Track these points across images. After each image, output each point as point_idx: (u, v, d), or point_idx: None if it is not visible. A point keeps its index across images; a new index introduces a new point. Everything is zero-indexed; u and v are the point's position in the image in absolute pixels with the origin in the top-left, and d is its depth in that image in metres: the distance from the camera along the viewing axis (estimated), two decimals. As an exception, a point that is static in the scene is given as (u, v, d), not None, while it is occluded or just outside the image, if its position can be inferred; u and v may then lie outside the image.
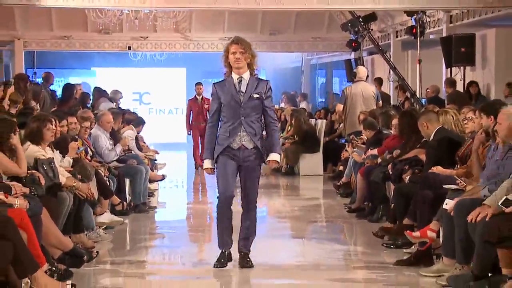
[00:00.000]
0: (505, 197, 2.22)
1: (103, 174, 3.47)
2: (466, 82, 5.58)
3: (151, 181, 4.35)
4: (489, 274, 2.25)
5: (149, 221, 3.82)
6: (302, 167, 5.73)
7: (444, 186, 2.63)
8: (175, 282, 2.58)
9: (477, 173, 2.62)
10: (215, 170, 2.55)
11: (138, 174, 3.97)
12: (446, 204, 2.48)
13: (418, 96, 5.94)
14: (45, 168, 2.75)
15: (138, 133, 4.76)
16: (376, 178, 3.48)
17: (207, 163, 2.57)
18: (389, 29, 7.21)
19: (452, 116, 3.15)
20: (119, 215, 3.57)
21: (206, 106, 6.08)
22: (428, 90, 5.79)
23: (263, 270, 2.60)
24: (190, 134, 6.35)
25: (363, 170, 3.76)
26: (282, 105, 8.30)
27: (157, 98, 9.29)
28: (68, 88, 5.24)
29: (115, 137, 4.07)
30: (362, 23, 6.51)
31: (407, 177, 3.10)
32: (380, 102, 5.16)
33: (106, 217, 3.39)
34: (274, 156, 2.57)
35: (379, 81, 6.16)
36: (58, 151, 3.07)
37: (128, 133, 4.45)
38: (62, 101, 5.15)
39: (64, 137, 3.20)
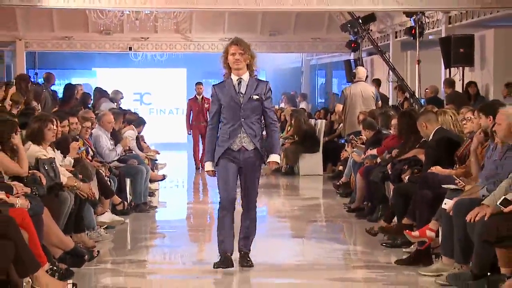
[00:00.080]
0: (503, 197, 2.23)
1: (104, 174, 3.48)
2: (465, 82, 5.60)
3: (151, 181, 4.36)
4: (488, 274, 2.26)
5: (149, 221, 3.84)
6: (302, 167, 5.75)
7: (443, 186, 2.64)
8: (175, 281, 2.59)
9: (475, 173, 2.63)
10: (216, 172, 2.55)
11: (138, 174, 3.98)
12: (445, 203, 2.49)
13: (417, 96, 5.96)
14: (46, 168, 2.76)
15: (138, 133, 4.78)
16: (375, 178, 3.49)
17: (208, 165, 2.56)
18: (388, 30, 7.23)
19: (451, 116, 3.17)
20: (120, 215, 3.59)
21: (206, 105, 6.10)
22: (427, 90, 5.81)
23: (263, 269, 2.61)
24: (190, 134, 6.35)
25: (363, 170, 3.78)
26: (282, 105, 8.32)
27: (157, 99, 9.30)
28: (69, 88, 5.27)
29: (116, 137, 4.09)
30: (361, 24, 6.53)
31: (406, 177, 3.12)
32: (380, 102, 5.18)
33: (107, 216, 3.41)
34: (274, 157, 2.57)
35: (377, 82, 6.19)
36: (59, 151, 3.08)
37: (129, 133, 4.47)
38: (63, 101, 5.17)
39: (65, 137, 3.22)
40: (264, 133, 2.64)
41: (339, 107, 5.17)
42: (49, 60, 8.67)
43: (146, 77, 9.14)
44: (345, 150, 4.73)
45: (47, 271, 2.26)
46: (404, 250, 2.90)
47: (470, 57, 5.54)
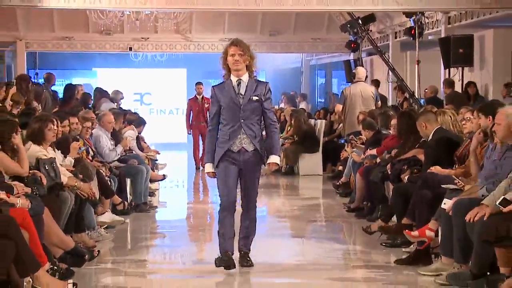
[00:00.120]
0: (502, 196, 2.24)
1: (104, 174, 3.49)
2: (464, 82, 5.61)
3: (152, 181, 4.37)
4: (488, 273, 2.26)
5: (150, 221, 3.84)
6: (301, 167, 5.76)
7: (442, 185, 2.65)
8: (175, 281, 2.59)
9: (475, 173, 2.63)
10: (216, 174, 2.55)
11: (139, 174, 3.99)
12: (445, 203, 2.50)
13: (416, 96, 5.97)
14: (47, 168, 2.77)
15: (139, 133, 4.78)
16: (375, 178, 3.50)
17: (208, 167, 2.56)
18: (388, 30, 7.24)
19: (450, 117, 3.17)
20: (120, 215, 3.59)
21: (206, 105, 6.11)
22: (426, 90, 5.81)
23: (263, 269, 2.62)
24: (190, 134, 6.36)
25: (362, 170, 3.78)
26: (282, 105, 8.34)
27: (158, 99, 9.31)
28: (70, 88, 5.28)
29: (116, 137, 4.09)
30: (361, 24, 6.54)
31: (406, 177, 3.12)
32: (379, 102, 5.19)
33: (107, 216, 3.42)
34: (274, 159, 2.57)
35: (376, 83, 6.20)
36: (59, 151, 3.09)
37: (129, 133, 4.48)
38: (64, 101, 5.18)
39: (65, 137, 3.23)
40: (263, 133, 2.64)
41: (338, 107, 5.18)
42: (49, 61, 8.69)
43: (146, 77, 9.15)
44: (345, 150, 4.73)
45: (47, 271, 2.27)
46: (403, 250, 2.91)
47: (470, 57, 5.55)
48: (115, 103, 5.67)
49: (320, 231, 3.57)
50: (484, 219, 2.22)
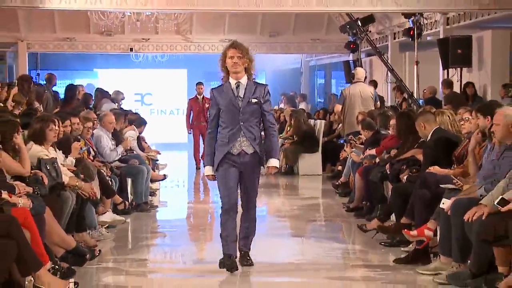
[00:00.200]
0: (501, 196, 2.25)
1: (105, 173, 3.50)
2: (463, 83, 5.64)
3: (152, 180, 4.38)
4: (486, 272, 2.27)
5: (150, 220, 3.85)
6: (301, 166, 5.77)
7: (441, 185, 2.67)
8: (176, 280, 2.60)
9: (473, 173, 2.64)
10: (216, 177, 2.54)
11: (139, 174, 4.01)
12: (443, 203, 2.51)
13: (415, 97, 5.99)
14: (48, 168, 2.78)
15: (140, 133, 4.79)
16: (374, 177, 3.51)
17: (208, 170, 2.56)
18: (387, 31, 7.28)
19: (449, 117, 3.18)
20: (121, 214, 3.61)
21: (207, 105, 6.13)
22: (425, 91, 5.84)
23: (263, 268, 2.63)
24: (190, 133, 6.37)
25: (361, 170, 3.80)
26: (282, 106, 8.36)
27: (158, 99, 9.34)
28: (71, 89, 5.29)
29: (117, 137, 4.11)
30: (360, 25, 6.57)
31: (405, 177, 3.14)
32: (378, 103, 5.21)
33: (108, 216, 3.43)
34: (274, 162, 2.57)
35: (374, 84, 6.20)
36: (61, 151, 3.10)
37: (130, 133, 4.49)
38: (65, 102, 5.20)
39: (67, 137, 3.24)
40: (262, 133, 2.65)
41: (338, 107, 5.20)
42: (51, 61, 8.72)
43: (147, 77, 9.18)
44: (344, 150, 4.75)
45: (49, 270, 2.28)
46: (402, 249, 2.92)
47: (468, 58, 5.57)
48: (116, 104, 5.69)
49: (320, 231, 3.59)
50: (483, 218, 2.23)
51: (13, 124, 2.66)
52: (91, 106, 5.32)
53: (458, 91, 5.55)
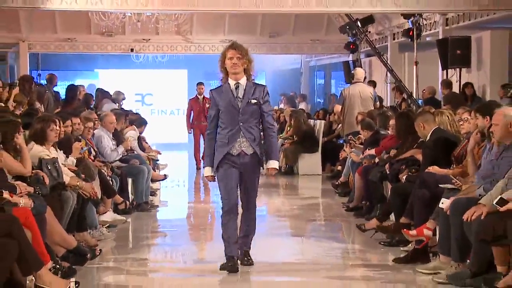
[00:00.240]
0: (500, 196, 2.26)
1: (106, 173, 3.52)
2: (462, 83, 5.65)
3: (153, 180, 4.40)
4: (486, 272, 2.29)
5: (151, 220, 3.87)
6: (301, 166, 5.79)
7: (440, 185, 2.68)
8: (176, 279, 2.62)
9: (472, 173, 2.66)
10: (215, 177, 2.55)
11: (140, 174, 4.02)
12: (442, 203, 2.52)
13: (414, 97, 6.01)
14: (49, 168, 2.79)
15: (140, 133, 4.80)
16: (373, 177, 3.52)
17: (207, 171, 2.56)
18: (386, 32, 7.29)
19: (448, 117, 3.19)
20: (121, 214, 3.62)
21: (207, 105, 6.14)
22: (424, 91, 5.85)
23: (263, 268, 2.64)
24: (191, 133, 6.38)
25: (361, 169, 3.81)
26: (282, 106, 8.38)
27: (159, 99, 9.36)
28: (72, 89, 5.30)
29: (118, 137, 4.13)
30: (359, 26, 6.58)
31: (404, 177, 3.15)
32: (378, 103, 5.23)
33: (109, 215, 3.45)
34: (273, 164, 2.57)
35: (373, 84, 6.22)
36: (62, 151, 3.11)
37: (131, 133, 4.51)
38: (66, 102, 5.21)
39: (68, 137, 3.26)
40: (261, 134, 2.65)
41: (337, 107, 5.22)
42: (52, 62, 8.74)
43: (148, 78, 9.20)
44: (344, 150, 4.75)
45: (50, 270, 2.29)
46: (401, 249, 2.93)
47: (467, 58, 5.59)
48: (117, 104, 5.71)
49: (319, 230, 3.60)
50: (482, 218, 2.24)
51: (14, 124, 2.67)
52: (92, 106, 5.33)
53: (457, 92, 5.57)
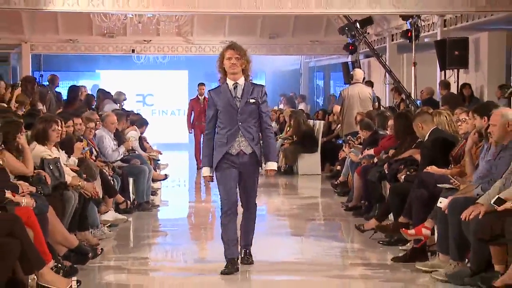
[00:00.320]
0: (497, 196, 2.28)
1: (107, 173, 3.54)
2: (460, 84, 5.68)
3: (154, 180, 4.42)
4: (484, 270, 2.30)
5: (152, 219, 3.89)
6: (300, 166, 5.82)
7: (438, 185, 2.70)
8: (177, 278, 2.63)
9: (470, 173, 2.68)
10: (214, 178, 2.55)
11: (141, 174, 4.04)
12: (440, 202, 2.54)
13: (413, 98, 6.03)
14: (51, 168, 2.81)
15: (141, 133, 4.82)
16: (372, 177, 3.54)
17: (206, 171, 2.55)
18: (385, 33, 7.33)
19: (446, 117, 3.22)
20: (123, 213, 3.64)
21: (208, 106, 6.13)
22: (422, 92, 5.89)
23: (263, 267, 2.66)
24: (191, 133, 6.40)
25: (360, 169, 3.84)
26: (281, 106, 8.42)
27: (160, 100, 9.39)
28: (74, 90, 5.33)
29: (119, 137, 4.15)
30: (358, 27, 6.61)
31: (403, 177, 3.17)
32: (377, 103, 5.27)
33: (111, 215, 3.47)
34: (272, 165, 2.58)
35: (370, 84, 6.24)
36: (63, 151, 3.14)
37: (132, 133, 4.53)
38: (68, 102, 5.23)
39: (69, 137, 3.28)
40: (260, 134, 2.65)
41: (337, 108, 5.25)
42: (54, 63, 8.78)
43: (149, 79, 9.23)
44: (343, 150, 4.78)
45: (52, 268, 2.31)
46: (400, 248, 2.95)
47: (465, 59, 5.62)
48: (118, 104, 5.73)
49: (319, 230, 3.62)
50: (479, 217, 2.26)
51: (16, 125, 2.69)
52: (93, 106, 5.35)
53: (455, 92, 5.59)
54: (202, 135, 6.11)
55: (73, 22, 7.61)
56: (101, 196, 3.27)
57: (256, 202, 2.67)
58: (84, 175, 3.12)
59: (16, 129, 2.67)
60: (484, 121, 2.66)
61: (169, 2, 5.15)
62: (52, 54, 8.24)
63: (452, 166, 2.95)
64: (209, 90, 2.61)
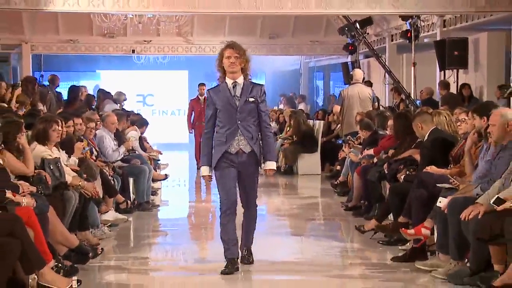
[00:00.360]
0: (496, 195, 2.28)
1: (107, 173, 3.54)
2: (459, 84, 5.69)
3: (154, 180, 4.42)
4: (484, 270, 2.30)
5: (152, 219, 3.89)
6: (300, 166, 5.82)
7: (437, 185, 2.70)
8: (177, 278, 2.64)
9: (469, 173, 2.68)
10: (213, 177, 2.55)
11: (141, 174, 4.05)
12: (440, 202, 2.55)
13: (412, 98, 6.05)
14: (52, 168, 2.82)
15: (141, 134, 4.83)
16: (372, 177, 3.55)
17: (204, 170, 2.54)
18: (384, 33, 7.35)
19: (445, 117, 3.22)
20: (123, 213, 3.65)
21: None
22: (422, 92, 5.90)
23: (263, 266, 2.67)
24: (192, 133, 6.41)
25: (360, 169, 3.84)
26: (281, 106, 8.44)
27: (160, 100, 9.41)
28: (74, 90, 5.35)
29: (119, 137, 4.16)
30: (358, 28, 6.63)
31: (402, 177, 3.18)
32: (376, 103, 5.27)
33: (111, 215, 3.47)
34: (271, 165, 2.57)
35: (369, 84, 6.24)
36: (64, 151, 3.14)
37: (132, 133, 4.54)
38: (68, 102, 5.25)
39: (70, 137, 3.28)
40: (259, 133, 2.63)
41: (336, 108, 5.26)
42: (54, 63, 8.80)
43: (149, 79, 9.26)
44: (343, 150, 4.78)
45: (52, 268, 2.31)
46: (400, 247, 2.96)
47: (464, 59, 5.64)
48: (118, 104, 5.74)
49: (319, 229, 3.62)
50: (479, 217, 2.27)
51: (17, 125, 2.70)
52: (93, 107, 5.35)
53: (455, 92, 5.60)
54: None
55: (74, 23, 7.63)
56: (101, 196, 3.27)
57: (257, 202, 2.67)
58: (85, 175, 3.13)
59: (16, 129, 2.68)
60: (484, 121, 2.67)
61: (169, 2, 5.16)
62: (52, 54, 8.26)
63: (451, 166, 2.95)
64: (208, 89, 2.62)
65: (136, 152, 4.45)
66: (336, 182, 4.75)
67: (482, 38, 5.86)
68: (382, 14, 6.32)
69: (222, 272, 2.55)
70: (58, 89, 6.07)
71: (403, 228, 2.81)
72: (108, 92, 5.97)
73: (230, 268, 2.55)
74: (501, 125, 2.45)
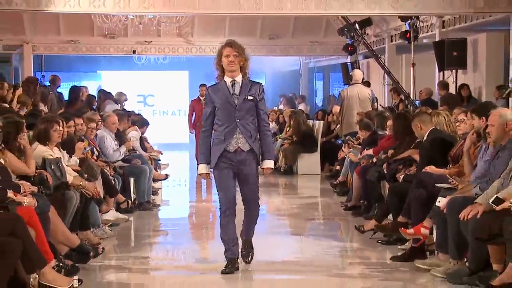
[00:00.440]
0: (495, 195, 2.29)
1: (108, 173, 3.56)
2: (458, 84, 5.71)
3: (154, 180, 4.44)
4: (483, 270, 2.31)
5: (153, 219, 3.91)
6: (300, 166, 5.84)
7: (437, 184, 2.72)
8: (178, 277, 2.65)
9: (468, 173, 2.70)
10: (211, 176, 2.54)
11: (142, 174, 4.06)
12: (439, 201, 2.56)
13: (411, 98, 6.06)
14: (53, 168, 2.83)
15: (142, 134, 4.84)
16: (371, 177, 3.57)
17: (203, 168, 2.53)
18: (384, 34, 7.37)
19: (444, 117, 3.24)
20: (124, 213, 3.66)
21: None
22: (421, 92, 5.93)
23: (262, 266, 2.68)
24: (192, 133, 6.42)
25: (359, 169, 3.86)
26: (281, 107, 8.45)
27: (160, 100, 9.43)
28: (75, 90, 5.36)
29: (120, 137, 4.17)
30: (357, 28, 6.64)
31: (401, 176, 3.19)
32: (376, 104, 5.29)
33: (112, 214, 3.49)
34: (269, 164, 2.56)
35: (367, 84, 6.25)
36: (65, 151, 3.16)
37: (133, 134, 4.55)
38: (69, 103, 5.26)
39: (71, 137, 3.30)
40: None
41: (336, 108, 5.29)
42: (55, 63, 8.82)
43: (149, 79, 9.28)
44: (342, 150, 4.80)
45: (53, 268, 2.32)
46: (399, 247, 2.97)
47: (463, 60, 5.66)
48: (119, 105, 5.76)
49: (318, 229, 3.63)
50: (478, 217, 2.28)
51: (18, 125, 2.71)
52: (94, 107, 5.37)
53: (454, 93, 5.62)
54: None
55: (75, 23, 7.64)
56: (102, 196, 3.29)
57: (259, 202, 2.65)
58: (86, 175, 3.14)
59: (18, 129, 2.69)
60: (482, 121, 2.68)
61: (170, 3, 5.17)
62: (53, 54, 8.27)
63: (450, 166, 2.97)
64: (207, 87, 2.60)
65: (137, 152, 4.47)
66: (335, 182, 4.77)
67: (481, 39, 5.89)
68: (381, 15, 6.34)
69: (222, 272, 2.57)
70: (59, 90, 6.08)
71: (402, 228, 2.83)
72: (109, 93, 5.99)
73: (230, 268, 2.57)
74: (499, 125, 2.47)
